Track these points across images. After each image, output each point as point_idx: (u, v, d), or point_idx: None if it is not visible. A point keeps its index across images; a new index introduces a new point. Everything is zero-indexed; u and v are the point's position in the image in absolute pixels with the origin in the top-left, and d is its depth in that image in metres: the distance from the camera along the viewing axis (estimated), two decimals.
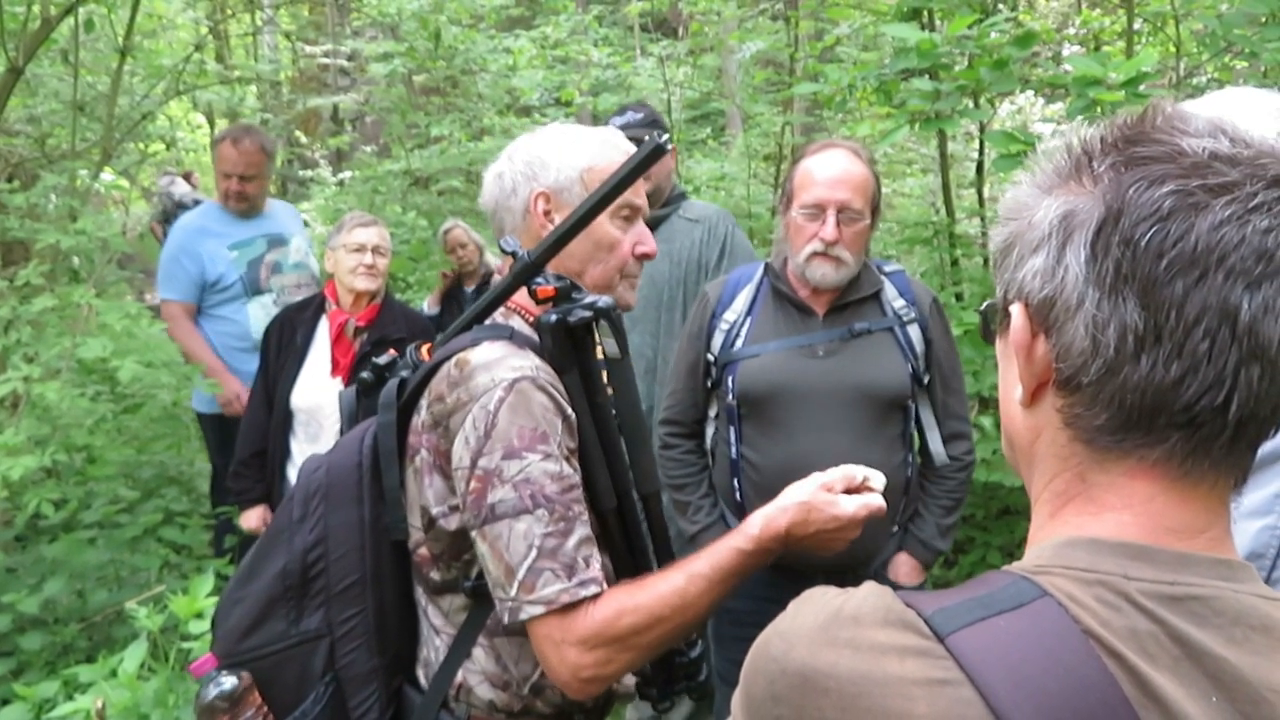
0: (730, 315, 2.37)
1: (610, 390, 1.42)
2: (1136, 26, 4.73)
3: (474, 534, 1.31)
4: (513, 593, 1.27)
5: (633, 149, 1.50)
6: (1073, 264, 0.67)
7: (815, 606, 0.70)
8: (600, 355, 1.41)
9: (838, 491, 1.38)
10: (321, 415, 3.10)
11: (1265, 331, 0.63)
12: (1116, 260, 0.65)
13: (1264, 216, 0.63)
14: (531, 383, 1.32)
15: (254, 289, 3.79)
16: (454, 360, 1.37)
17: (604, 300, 1.36)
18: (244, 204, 3.83)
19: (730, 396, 2.31)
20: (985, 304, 0.81)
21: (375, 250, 3.15)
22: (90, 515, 3.66)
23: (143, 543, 3.64)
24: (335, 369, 3.14)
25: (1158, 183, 0.65)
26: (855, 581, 1.14)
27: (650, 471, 1.47)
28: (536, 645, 1.29)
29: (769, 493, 2.33)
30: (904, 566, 2.35)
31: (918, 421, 2.37)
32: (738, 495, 2.34)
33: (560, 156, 1.48)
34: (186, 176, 10.98)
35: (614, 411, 1.42)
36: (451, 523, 1.37)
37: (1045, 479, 0.74)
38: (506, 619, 1.29)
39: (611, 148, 1.50)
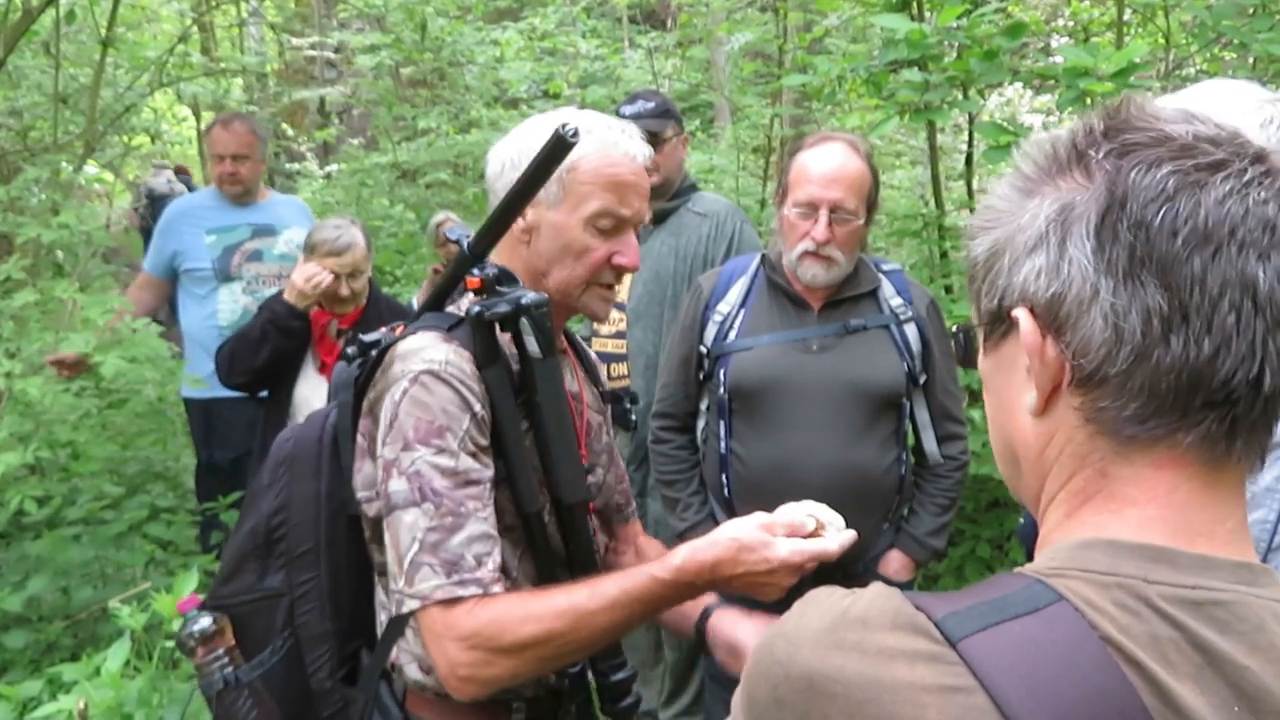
0: (724, 307, 2.34)
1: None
2: (1126, 17, 4.72)
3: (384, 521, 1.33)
4: (400, 584, 1.28)
5: (638, 151, 1.45)
6: (1078, 257, 0.65)
7: (821, 608, 0.68)
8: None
9: (778, 534, 1.30)
10: (309, 408, 3.08)
11: None
12: (1130, 244, 0.64)
13: (1260, 190, 0.64)
14: (434, 376, 1.30)
15: (224, 275, 3.79)
16: (392, 349, 1.38)
17: (529, 296, 1.33)
18: (237, 186, 3.82)
19: (722, 389, 2.29)
20: (958, 327, 0.79)
21: (350, 276, 3.04)
22: (74, 512, 3.62)
23: (128, 539, 3.60)
24: (322, 369, 3.11)
25: (1156, 165, 0.64)
26: (845, 578, 1.12)
27: (574, 481, 1.42)
28: (423, 636, 1.30)
29: (757, 488, 2.31)
30: (895, 563, 2.34)
31: (912, 420, 2.36)
32: (726, 490, 2.32)
33: None
34: (179, 171, 10.95)
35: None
36: (373, 508, 1.38)
37: (1060, 480, 0.72)
38: (394, 610, 1.32)
39: (609, 147, 1.42)
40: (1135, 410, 0.66)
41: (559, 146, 1.27)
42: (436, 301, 1.47)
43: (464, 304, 1.45)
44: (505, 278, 1.37)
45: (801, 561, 1.28)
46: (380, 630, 1.45)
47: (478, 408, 1.32)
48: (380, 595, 1.46)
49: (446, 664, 1.26)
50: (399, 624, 1.40)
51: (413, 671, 1.41)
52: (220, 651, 1.46)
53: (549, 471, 1.39)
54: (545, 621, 1.24)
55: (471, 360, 1.33)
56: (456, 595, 1.24)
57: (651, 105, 3.07)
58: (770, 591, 1.30)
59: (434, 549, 1.25)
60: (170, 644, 2.13)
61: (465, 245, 1.39)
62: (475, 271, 1.36)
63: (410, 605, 1.27)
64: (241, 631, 1.48)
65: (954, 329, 0.80)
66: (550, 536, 1.42)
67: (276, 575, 1.47)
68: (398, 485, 1.28)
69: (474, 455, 1.31)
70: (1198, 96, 1.45)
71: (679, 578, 1.27)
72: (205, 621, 1.47)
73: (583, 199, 1.40)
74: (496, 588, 1.27)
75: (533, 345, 1.35)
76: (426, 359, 1.32)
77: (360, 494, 1.40)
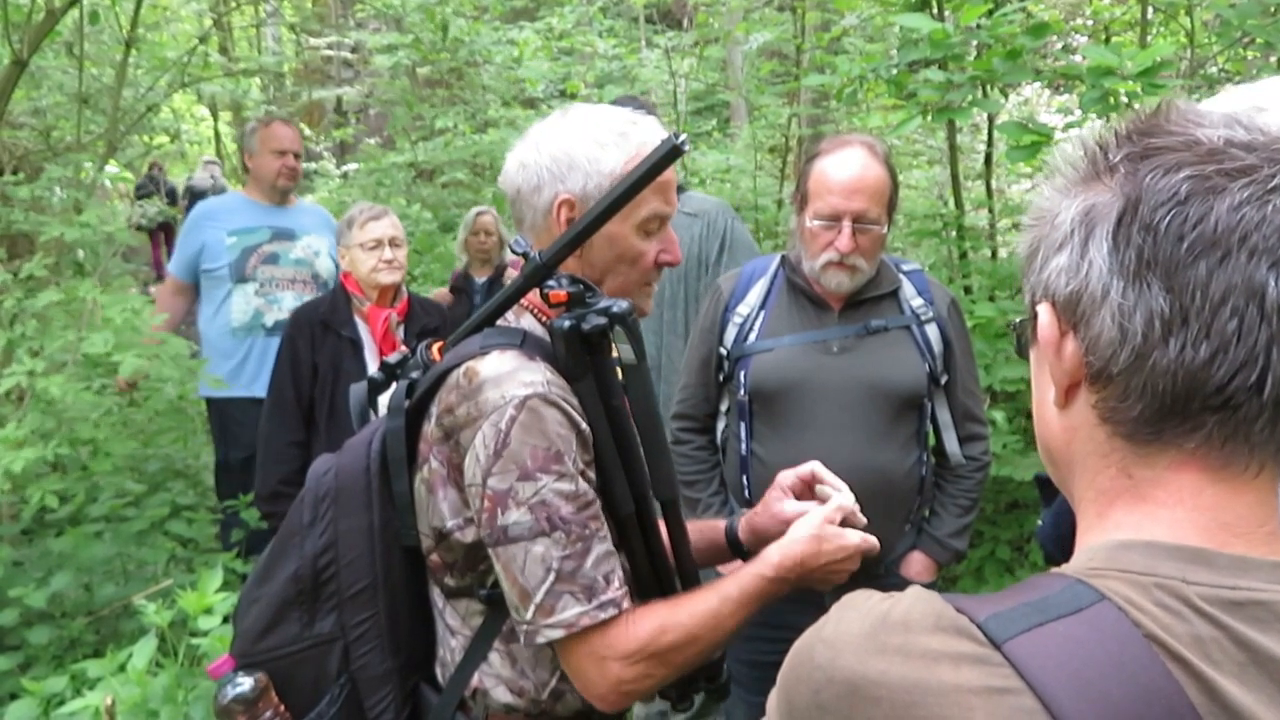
0: (743, 309, 2.33)
1: (626, 396, 1.38)
2: (1148, 16, 4.69)
3: (489, 551, 1.30)
4: (528, 616, 1.26)
5: None
6: (1096, 257, 0.67)
7: (859, 612, 0.68)
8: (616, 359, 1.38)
9: (838, 523, 1.45)
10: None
11: None
12: (1139, 247, 0.65)
13: None
14: (543, 400, 1.27)
15: (239, 276, 3.83)
16: (463, 370, 1.32)
17: (620, 305, 1.30)
18: (293, 181, 3.94)
19: (742, 391, 2.29)
20: (1017, 320, 0.80)
21: (392, 242, 3.12)
22: (96, 509, 3.64)
23: (149, 536, 3.63)
24: None
25: (1174, 170, 0.65)
26: (867, 579, 1.12)
27: (669, 477, 1.43)
28: (573, 661, 1.29)
29: None
30: (916, 564, 2.33)
31: (934, 421, 2.35)
32: (746, 492, 2.31)
33: (590, 160, 1.38)
34: (154, 167, 11.16)
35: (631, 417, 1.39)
36: (467, 535, 1.34)
37: (1088, 478, 0.72)
38: (523, 641, 1.29)
39: (649, 149, 1.39)
40: (1141, 411, 0.67)
41: (672, 155, 1.25)
42: (497, 314, 1.42)
43: (511, 317, 1.43)
44: (589, 288, 1.33)
45: (865, 549, 1.45)
46: (450, 659, 1.42)
47: (582, 425, 1.31)
48: (450, 621, 1.43)
49: (609, 682, 1.27)
50: (480, 649, 1.39)
51: (500, 695, 1.39)
52: (268, 715, 1.38)
53: (651, 470, 1.39)
54: (692, 628, 1.31)
55: (560, 375, 1.32)
56: (599, 620, 1.26)
57: (627, 110, 3.05)
58: (841, 576, 1.45)
59: (571, 577, 1.25)
60: (195, 641, 2.14)
61: (535, 256, 1.33)
62: (556, 285, 1.31)
63: (551, 635, 1.25)
64: (285, 686, 1.41)
65: (1011, 322, 0.82)
66: (635, 535, 1.41)
67: (327, 619, 1.40)
68: (519, 516, 1.25)
69: (582, 474, 1.30)
70: (1250, 94, 1.41)
71: (779, 574, 1.37)
72: (246, 683, 1.38)
73: (636, 205, 1.36)
74: (627, 602, 1.29)
75: (627, 352, 1.34)
76: (525, 382, 1.28)
77: (449, 522, 1.35)
